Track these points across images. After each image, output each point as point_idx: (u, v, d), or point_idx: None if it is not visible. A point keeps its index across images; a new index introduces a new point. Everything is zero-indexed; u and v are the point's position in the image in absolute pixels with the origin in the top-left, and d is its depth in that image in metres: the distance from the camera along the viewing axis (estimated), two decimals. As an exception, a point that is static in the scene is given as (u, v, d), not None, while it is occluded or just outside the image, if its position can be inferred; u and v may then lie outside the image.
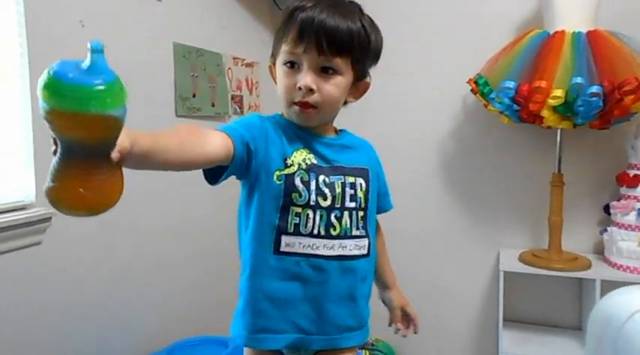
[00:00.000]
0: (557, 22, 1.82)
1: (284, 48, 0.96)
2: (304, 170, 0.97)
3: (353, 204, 1.00)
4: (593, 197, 2.03)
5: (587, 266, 1.86)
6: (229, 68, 2.07)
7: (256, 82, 2.26)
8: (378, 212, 1.12)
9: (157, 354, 1.62)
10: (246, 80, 2.20)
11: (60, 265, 1.38)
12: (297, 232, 0.96)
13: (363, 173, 1.03)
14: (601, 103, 1.64)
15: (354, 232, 1.00)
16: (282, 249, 0.96)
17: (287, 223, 0.96)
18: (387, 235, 1.21)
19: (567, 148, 1.97)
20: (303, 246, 0.97)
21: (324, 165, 0.99)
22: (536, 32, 1.86)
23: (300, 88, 0.94)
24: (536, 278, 2.00)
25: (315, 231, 0.97)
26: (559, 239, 1.92)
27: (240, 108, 2.16)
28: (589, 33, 1.77)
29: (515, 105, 1.77)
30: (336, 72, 0.95)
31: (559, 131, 1.91)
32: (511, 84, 1.73)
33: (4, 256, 1.24)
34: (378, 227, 1.15)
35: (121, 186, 0.69)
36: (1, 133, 1.27)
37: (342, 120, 1.08)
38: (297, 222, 0.96)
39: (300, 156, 0.98)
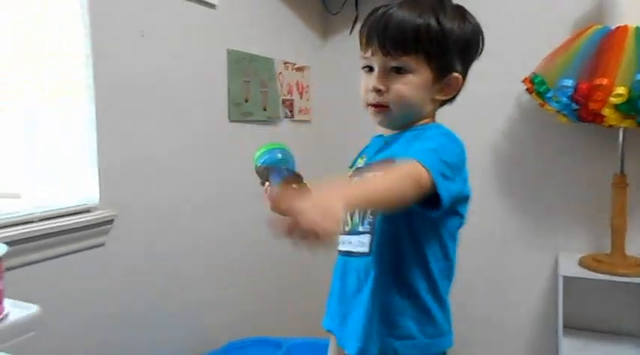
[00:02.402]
0: (619, 16, 1.74)
1: (360, 53, 0.98)
2: (351, 175, 1.03)
3: None
4: (659, 199, 1.93)
5: (654, 272, 1.77)
6: (280, 73, 2.11)
7: (307, 86, 2.29)
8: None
9: (212, 354, 1.66)
10: (297, 84, 2.23)
11: (122, 266, 1.45)
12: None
13: (383, 164, 0.92)
14: (667, 100, 1.56)
15: (360, 228, 0.97)
16: None
17: None
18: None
19: (630, 148, 1.87)
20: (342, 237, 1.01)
21: (363, 167, 1.01)
22: (595, 28, 1.79)
23: (372, 90, 0.95)
24: (598, 284, 1.92)
25: (344, 227, 1.00)
26: (622, 243, 1.83)
27: (291, 112, 2.19)
28: (654, 27, 1.68)
29: (573, 104, 1.70)
30: (407, 71, 0.93)
31: (621, 130, 1.83)
32: (569, 82, 1.67)
33: (70, 257, 1.31)
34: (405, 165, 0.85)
35: None
36: (67, 139, 1.35)
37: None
38: None
39: (359, 162, 1.04)
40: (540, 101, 1.85)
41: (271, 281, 2.11)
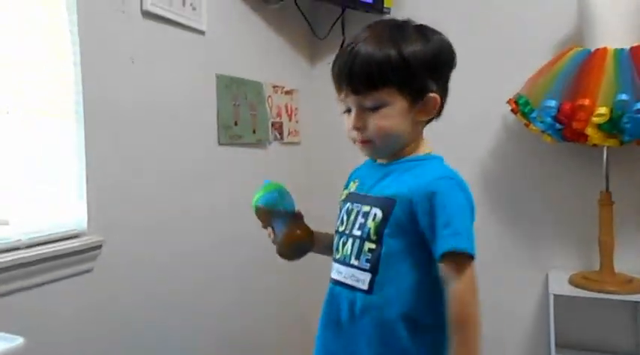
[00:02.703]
0: (599, 39, 1.79)
1: (336, 97, 1.01)
2: (343, 199, 1.06)
3: (359, 233, 0.97)
4: (645, 216, 1.95)
5: (643, 288, 1.78)
6: (269, 96, 2.13)
7: (295, 109, 2.31)
8: (436, 252, 0.89)
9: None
10: (286, 107, 2.25)
11: (110, 291, 1.43)
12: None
13: (384, 203, 0.94)
14: (649, 119, 1.59)
15: (352, 261, 0.97)
16: None
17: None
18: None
19: (615, 166, 1.90)
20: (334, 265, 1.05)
21: (359, 193, 1.03)
22: (576, 50, 1.83)
23: (353, 129, 0.99)
24: (589, 302, 1.93)
25: (335, 253, 1.04)
26: (611, 260, 1.84)
27: (280, 134, 2.20)
28: (633, 49, 1.73)
29: (557, 124, 1.73)
30: (381, 105, 0.95)
31: (605, 148, 1.86)
32: (552, 103, 1.70)
33: (57, 283, 1.29)
34: (452, 298, 0.89)
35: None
36: (55, 164, 1.34)
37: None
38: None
39: (351, 186, 1.07)
40: (525, 121, 1.89)
41: (263, 304, 2.09)
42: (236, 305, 1.94)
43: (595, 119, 1.63)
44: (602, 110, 1.61)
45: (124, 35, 1.47)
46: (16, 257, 1.16)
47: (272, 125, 2.15)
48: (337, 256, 1.02)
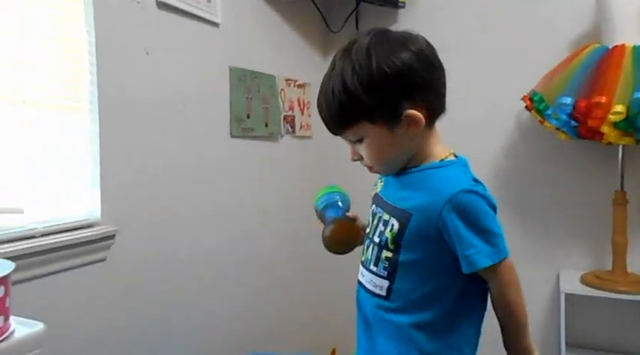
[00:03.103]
0: (617, 36, 1.76)
1: None
2: (373, 196, 1.07)
3: (377, 240, 0.99)
4: (659, 216, 1.93)
5: (655, 289, 1.76)
6: (282, 89, 2.13)
7: (308, 103, 2.31)
8: (464, 270, 0.91)
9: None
10: (299, 101, 2.25)
11: (123, 281, 1.45)
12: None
13: (401, 215, 0.94)
14: (666, 118, 1.57)
15: (372, 267, 0.99)
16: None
17: None
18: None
19: (630, 165, 1.88)
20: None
21: (382, 198, 1.03)
22: (593, 47, 1.81)
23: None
24: (600, 301, 1.91)
25: (361, 256, 1.06)
26: (624, 260, 1.83)
27: (292, 128, 2.20)
28: (651, 46, 1.70)
29: (572, 122, 1.72)
30: (363, 137, 0.95)
31: (620, 147, 1.84)
32: (568, 100, 1.69)
33: (71, 272, 1.31)
34: (492, 299, 0.97)
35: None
36: (70, 155, 1.36)
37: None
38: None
39: (379, 185, 1.08)
40: (540, 118, 1.87)
41: (277, 295, 2.10)
42: (247, 298, 1.95)
43: (611, 117, 1.61)
44: (619, 108, 1.59)
45: (139, 27, 1.48)
46: (31, 245, 1.18)
47: (284, 118, 2.15)
48: (362, 258, 1.04)
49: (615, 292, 1.76)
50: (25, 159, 1.25)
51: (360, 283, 1.04)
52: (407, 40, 0.93)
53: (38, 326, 0.89)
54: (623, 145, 1.81)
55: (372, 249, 0.99)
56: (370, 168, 1.01)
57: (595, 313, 2.02)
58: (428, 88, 0.93)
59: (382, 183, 1.07)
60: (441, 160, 0.97)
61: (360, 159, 0.99)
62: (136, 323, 1.48)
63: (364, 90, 0.89)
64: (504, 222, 1.85)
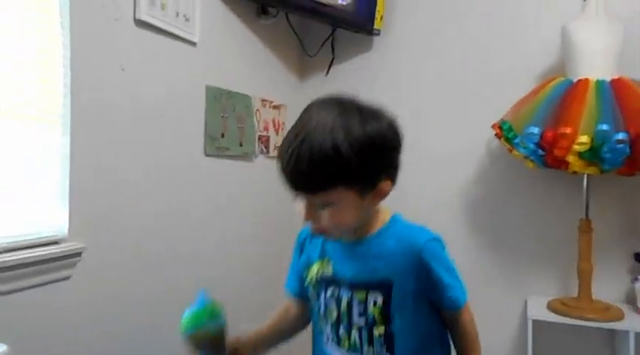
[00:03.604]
0: (581, 70, 1.84)
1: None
2: (316, 282, 1.03)
3: (362, 321, 0.96)
4: (623, 244, 1.99)
5: (620, 316, 1.80)
6: (257, 109, 2.13)
7: (283, 123, 2.32)
8: (444, 309, 1.00)
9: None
10: (273, 121, 2.26)
11: (88, 299, 1.40)
12: (322, 339, 1.04)
13: (382, 286, 0.95)
14: (628, 150, 1.63)
15: (367, 349, 0.97)
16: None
17: (317, 326, 1.06)
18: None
19: (595, 194, 1.94)
20: (331, 350, 1.03)
21: (338, 277, 1.00)
22: (559, 80, 1.88)
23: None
24: (567, 328, 1.94)
25: (332, 339, 1.02)
26: (589, 287, 1.87)
27: (266, 148, 2.20)
28: (613, 81, 1.78)
29: (540, 151, 1.77)
30: (331, 204, 0.89)
31: (585, 176, 1.90)
32: (535, 130, 1.74)
33: (35, 290, 1.26)
34: (455, 332, 1.03)
35: None
36: (39, 169, 1.32)
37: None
38: (321, 329, 1.04)
39: (316, 268, 1.03)
40: (509, 146, 1.92)
41: (242, 313, 2.06)
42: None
43: (576, 147, 1.67)
44: (584, 139, 1.65)
45: (116, 42, 1.47)
46: (-7, 261, 1.14)
47: (259, 138, 2.15)
48: (344, 346, 1.00)
49: (581, 319, 1.80)
50: (-9, 172, 1.21)
51: None
52: (380, 110, 0.94)
53: (1, 348, 0.85)
54: (588, 175, 1.87)
55: (360, 333, 0.97)
56: (321, 232, 0.95)
57: (561, 339, 2.06)
58: (398, 160, 0.96)
59: (329, 265, 1.01)
60: (391, 218, 1.01)
61: (313, 221, 0.93)
62: (100, 342, 1.43)
63: (355, 154, 0.85)
64: (474, 248, 1.92)
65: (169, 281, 1.69)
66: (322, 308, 1.01)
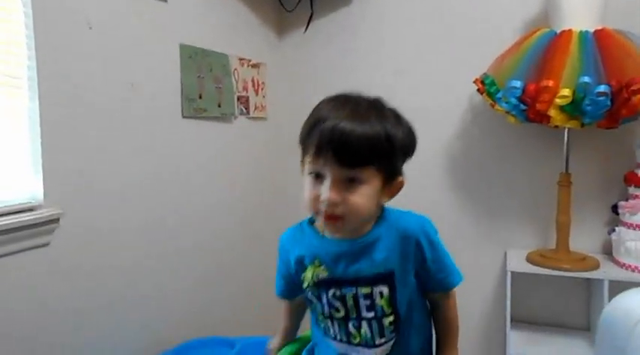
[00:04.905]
0: (564, 21, 1.81)
1: (307, 158, 0.93)
2: (314, 286, 1.01)
3: (371, 314, 0.99)
4: (601, 197, 2.02)
5: (596, 266, 1.85)
6: (235, 69, 2.08)
7: (262, 83, 2.27)
8: (434, 291, 1.05)
9: (165, 354, 1.62)
10: (252, 81, 2.21)
11: (68, 266, 1.39)
12: (327, 335, 1.05)
13: (385, 278, 0.97)
14: (609, 103, 1.63)
15: (378, 341, 1.00)
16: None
17: (319, 326, 1.07)
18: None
19: (575, 148, 1.95)
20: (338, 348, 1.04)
21: (336, 277, 0.99)
22: (542, 31, 1.85)
23: (325, 201, 0.91)
24: (544, 279, 1.99)
25: (339, 338, 1.03)
26: (567, 239, 1.91)
27: (246, 108, 2.16)
28: (596, 32, 1.76)
29: (522, 105, 1.76)
30: (361, 182, 0.90)
31: (566, 130, 1.90)
32: (518, 83, 1.72)
33: (13, 257, 1.25)
34: (438, 315, 1.09)
35: None
36: (10, 136, 1.28)
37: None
38: (323, 327, 1.05)
39: (310, 273, 1.01)
40: (491, 101, 1.90)
41: (232, 278, 2.08)
42: (201, 279, 1.92)
43: (558, 100, 1.65)
44: (565, 92, 1.64)
45: (82, -1, 1.40)
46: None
47: (238, 99, 2.10)
48: (355, 340, 1.01)
49: (558, 269, 1.84)
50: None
51: None
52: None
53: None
54: (569, 129, 1.87)
55: (370, 325, 0.99)
56: (333, 218, 0.92)
57: (540, 289, 2.11)
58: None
59: (322, 267, 1.00)
60: (383, 212, 1.02)
61: (336, 204, 0.90)
62: (81, 309, 1.43)
63: (396, 141, 0.93)
64: (456, 203, 1.93)
65: (150, 246, 1.68)
66: (326, 308, 1.02)
